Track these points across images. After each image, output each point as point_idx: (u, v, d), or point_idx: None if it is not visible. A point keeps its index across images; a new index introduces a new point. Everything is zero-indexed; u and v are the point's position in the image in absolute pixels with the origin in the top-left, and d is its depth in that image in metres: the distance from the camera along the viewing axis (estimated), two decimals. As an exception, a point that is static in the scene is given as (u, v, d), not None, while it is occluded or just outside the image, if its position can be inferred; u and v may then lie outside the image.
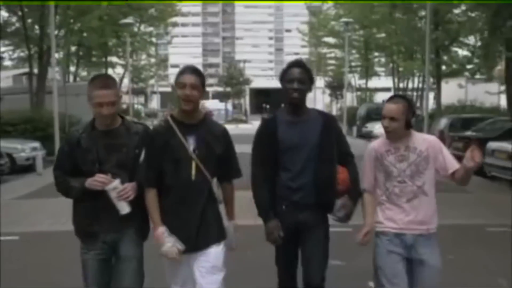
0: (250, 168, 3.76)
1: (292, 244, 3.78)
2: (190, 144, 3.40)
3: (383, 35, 32.12)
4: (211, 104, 58.60)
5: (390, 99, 3.68)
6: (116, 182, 3.31)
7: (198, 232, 3.43)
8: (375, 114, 27.56)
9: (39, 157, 14.72)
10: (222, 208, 3.64)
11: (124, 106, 34.19)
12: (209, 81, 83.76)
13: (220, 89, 67.90)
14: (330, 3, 38.68)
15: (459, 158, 3.59)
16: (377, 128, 23.26)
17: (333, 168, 3.71)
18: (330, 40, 42.63)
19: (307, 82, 3.72)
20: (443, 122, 18.09)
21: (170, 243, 3.36)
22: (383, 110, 3.63)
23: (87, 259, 3.48)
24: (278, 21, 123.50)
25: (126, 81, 37.86)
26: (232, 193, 3.69)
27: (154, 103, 68.05)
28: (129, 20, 25.89)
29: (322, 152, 3.70)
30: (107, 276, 3.50)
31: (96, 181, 3.33)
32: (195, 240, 3.43)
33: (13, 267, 6.06)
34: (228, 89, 65.33)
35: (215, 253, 3.48)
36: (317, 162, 3.69)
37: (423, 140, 3.65)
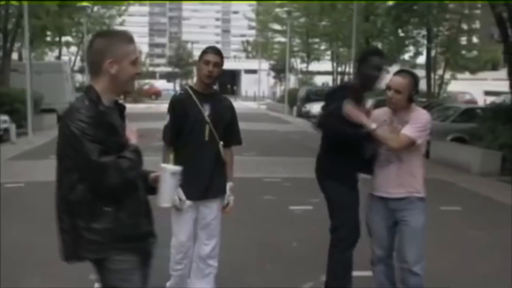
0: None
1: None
2: (205, 110, 3.90)
3: (323, 23, 34.54)
4: (159, 85, 59.91)
5: (398, 72, 3.89)
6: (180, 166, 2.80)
7: (207, 184, 3.94)
8: (314, 95, 29.96)
9: (12, 128, 16.48)
10: None
11: (77, 85, 35.57)
12: (156, 61, 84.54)
13: (168, 69, 68.96)
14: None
15: None
16: (314, 108, 25.84)
17: None
18: (275, 26, 44.73)
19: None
20: (369, 103, 20.99)
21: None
22: (389, 81, 3.82)
23: (138, 277, 2.64)
24: (226, 2, 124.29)
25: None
26: (232, 158, 4.16)
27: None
28: (85, 3, 27.28)
29: None
30: None
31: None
32: (204, 190, 3.93)
33: (24, 204, 8.18)
34: (176, 69, 66.49)
35: (216, 207, 4.04)
36: None
37: (415, 114, 3.83)
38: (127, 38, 2.62)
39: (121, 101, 2.73)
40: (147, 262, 2.72)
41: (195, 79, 4.13)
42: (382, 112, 3.95)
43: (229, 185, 4.08)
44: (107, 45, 2.57)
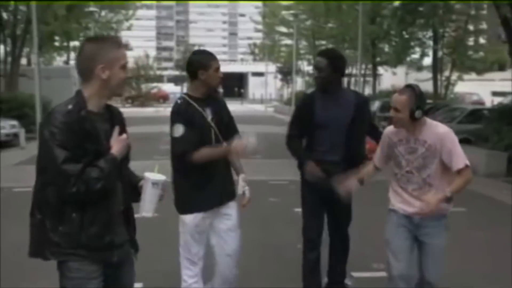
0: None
1: (321, 206, 4.45)
2: (208, 114, 3.81)
3: (329, 25, 34.61)
4: (167, 88, 60.05)
5: (400, 89, 3.69)
6: (164, 177, 2.87)
7: (221, 189, 3.86)
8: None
9: (22, 133, 16.65)
10: None
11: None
12: (163, 64, 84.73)
13: (175, 72, 69.03)
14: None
15: None
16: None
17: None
18: (282, 28, 44.79)
19: (325, 70, 4.14)
20: (376, 105, 21.06)
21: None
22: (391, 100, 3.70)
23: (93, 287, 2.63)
24: (232, 5, 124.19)
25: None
26: None
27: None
28: (93, 8, 27.49)
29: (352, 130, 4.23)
30: None
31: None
32: (220, 196, 3.84)
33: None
34: (184, 73, 66.53)
35: (235, 210, 3.98)
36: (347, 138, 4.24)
37: (434, 133, 3.59)
38: (117, 43, 2.67)
39: (128, 105, 2.72)
40: (110, 273, 2.72)
41: (188, 85, 4.05)
42: (396, 132, 3.72)
43: (241, 176, 4.03)
44: (98, 50, 2.60)
